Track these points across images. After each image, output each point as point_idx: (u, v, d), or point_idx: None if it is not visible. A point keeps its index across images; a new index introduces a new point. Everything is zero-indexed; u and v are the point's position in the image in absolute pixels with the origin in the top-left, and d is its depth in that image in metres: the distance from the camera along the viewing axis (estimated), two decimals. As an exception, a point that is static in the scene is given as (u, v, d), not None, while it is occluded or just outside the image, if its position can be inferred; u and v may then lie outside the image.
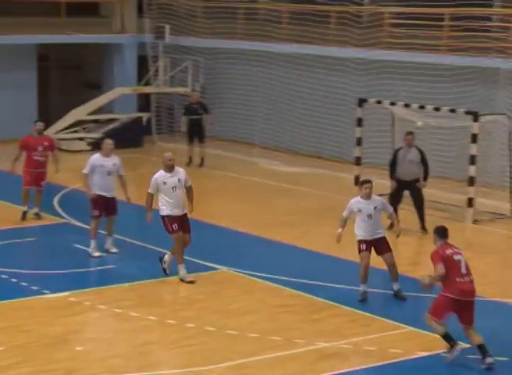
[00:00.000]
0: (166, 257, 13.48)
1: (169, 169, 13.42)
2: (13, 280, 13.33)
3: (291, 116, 23.85)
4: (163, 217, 13.31)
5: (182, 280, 13.26)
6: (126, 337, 11.26)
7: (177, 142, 25.59)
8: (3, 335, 11.22)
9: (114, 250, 14.69)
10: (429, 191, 18.15)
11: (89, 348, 10.84)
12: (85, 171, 14.57)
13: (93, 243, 14.48)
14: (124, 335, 11.33)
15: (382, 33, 22.09)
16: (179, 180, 13.36)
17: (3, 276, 13.47)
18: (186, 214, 13.43)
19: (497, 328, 11.63)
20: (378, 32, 22.11)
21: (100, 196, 14.48)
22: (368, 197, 12.94)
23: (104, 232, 14.77)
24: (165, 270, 13.41)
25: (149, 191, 13.58)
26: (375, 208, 12.88)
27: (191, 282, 13.23)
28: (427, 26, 21.02)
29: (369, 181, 13.13)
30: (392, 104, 18.99)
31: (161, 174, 13.48)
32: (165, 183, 13.33)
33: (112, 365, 10.33)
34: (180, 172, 13.47)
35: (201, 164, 22.64)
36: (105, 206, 14.55)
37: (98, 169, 14.49)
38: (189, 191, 13.55)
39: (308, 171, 22.03)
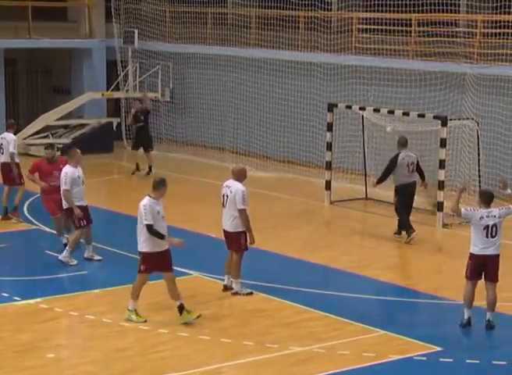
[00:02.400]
0: None
1: None
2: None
3: (261, 120, 23.84)
4: None
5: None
6: (99, 343, 11.15)
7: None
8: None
9: (98, 257, 14.54)
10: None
11: (61, 355, 10.77)
12: (67, 187, 14.11)
13: (69, 252, 14.25)
14: (96, 342, 11.23)
15: (351, 38, 22.15)
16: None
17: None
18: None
19: (468, 331, 11.68)
20: (347, 37, 22.17)
21: (81, 207, 14.29)
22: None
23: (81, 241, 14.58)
24: None
25: None
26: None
27: (250, 293, 12.95)
28: (395, 32, 21.13)
29: None
30: (362, 109, 19.04)
31: None
32: None
33: (84, 372, 10.25)
34: None
35: (149, 172, 21.90)
36: (85, 215, 14.38)
37: (76, 182, 14.23)
38: None
39: (279, 176, 22.04)
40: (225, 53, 24.37)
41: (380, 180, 16.57)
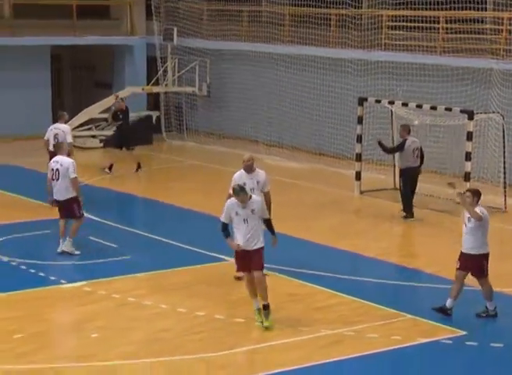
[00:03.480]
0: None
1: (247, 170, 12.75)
2: (31, 270, 13.32)
3: (294, 114, 23.83)
4: None
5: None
6: (140, 324, 11.24)
7: (185, 139, 25.64)
8: (22, 323, 11.21)
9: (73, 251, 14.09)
10: (426, 186, 18.18)
11: (104, 336, 10.84)
12: (76, 174, 14.03)
13: (71, 242, 14.05)
14: (138, 323, 11.31)
15: (380, 35, 22.06)
16: (257, 182, 12.69)
17: (22, 266, 13.47)
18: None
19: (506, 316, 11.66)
20: (377, 34, 22.08)
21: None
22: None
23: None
24: None
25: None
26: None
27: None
28: (423, 29, 21.01)
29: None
30: (391, 103, 18.98)
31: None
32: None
33: (126, 351, 10.33)
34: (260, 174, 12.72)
35: (137, 169, 21.18)
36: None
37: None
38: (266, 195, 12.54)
39: (311, 167, 22.04)
40: (260, 49, 24.37)
41: (383, 147, 17.30)
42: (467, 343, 10.71)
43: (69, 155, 16.90)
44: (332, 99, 22.83)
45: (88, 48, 26.19)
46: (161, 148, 25.08)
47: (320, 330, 11.07)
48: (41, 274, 13.11)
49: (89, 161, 23.43)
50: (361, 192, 19.02)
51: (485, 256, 11.47)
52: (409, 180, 16.81)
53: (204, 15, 26.08)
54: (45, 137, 17.76)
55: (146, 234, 15.47)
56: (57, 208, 14.31)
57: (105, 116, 25.50)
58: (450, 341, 10.80)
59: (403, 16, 21.67)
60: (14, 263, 13.58)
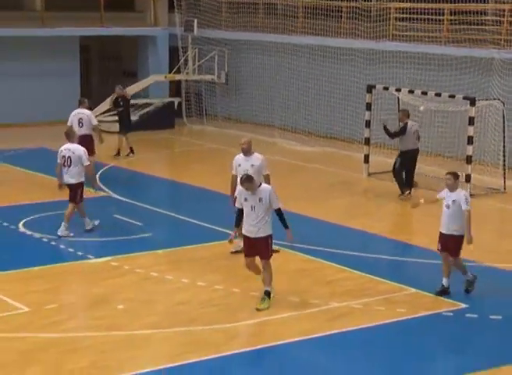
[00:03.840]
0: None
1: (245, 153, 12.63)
2: (61, 246, 13.41)
3: (307, 100, 23.77)
4: None
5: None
6: (162, 297, 11.31)
7: (205, 124, 25.64)
8: (53, 295, 11.31)
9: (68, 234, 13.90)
10: (430, 168, 18.13)
11: (129, 307, 10.91)
12: (89, 162, 13.92)
13: (89, 220, 14.08)
14: (160, 296, 11.38)
15: (389, 26, 21.93)
16: (252, 165, 12.50)
17: (52, 242, 13.57)
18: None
19: (492, 290, 11.62)
20: (385, 25, 21.95)
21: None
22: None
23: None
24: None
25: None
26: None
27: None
28: (429, 20, 20.87)
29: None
30: (398, 90, 18.89)
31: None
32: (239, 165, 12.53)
33: (149, 322, 10.40)
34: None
35: (129, 154, 20.67)
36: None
37: None
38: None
39: (322, 150, 22.00)
40: (275, 40, 24.27)
41: (388, 132, 17.21)
42: (468, 315, 10.71)
43: (91, 138, 17.00)
44: (343, 86, 22.73)
45: (114, 38, 26.18)
46: (182, 132, 25.09)
47: (328, 303, 11.10)
48: (70, 250, 13.20)
49: (114, 144, 23.50)
50: (369, 174, 18.98)
51: (463, 237, 11.23)
52: (407, 161, 16.89)
53: (222, 7, 25.98)
54: (68, 123, 17.52)
55: (168, 213, 15.51)
56: (68, 192, 14.02)
57: (131, 102, 25.54)
58: (451, 314, 10.80)
59: (409, 9, 21.51)
60: (45, 240, 13.68)
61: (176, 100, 26.22)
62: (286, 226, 10.83)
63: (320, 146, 22.31)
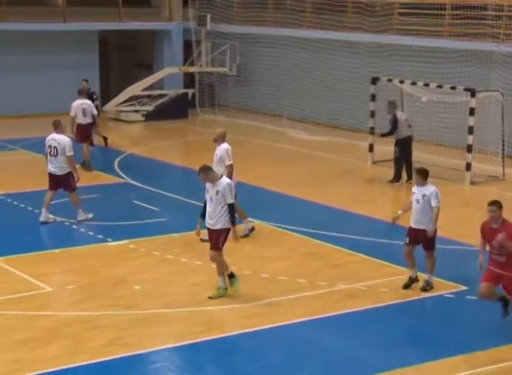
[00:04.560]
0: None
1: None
2: (82, 229, 13.42)
3: (314, 92, 23.67)
4: None
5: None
6: (177, 278, 11.30)
7: (217, 114, 25.58)
8: (74, 275, 11.33)
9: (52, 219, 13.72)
10: (432, 157, 18.03)
11: (146, 288, 10.91)
12: (72, 152, 13.51)
13: (82, 211, 13.75)
14: (175, 277, 11.37)
15: (392, 20, 21.78)
16: (215, 155, 12.66)
17: (74, 226, 13.58)
18: None
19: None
20: (389, 20, 21.81)
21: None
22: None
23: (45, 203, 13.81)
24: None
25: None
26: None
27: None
28: (431, 15, 20.72)
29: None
30: (401, 82, 18.77)
31: None
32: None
33: (165, 302, 10.41)
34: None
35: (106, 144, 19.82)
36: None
37: None
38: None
39: (329, 139, 21.92)
40: (284, 34, 24.16)
41: (385, 135, 17.19)
42: (468, 297, 10.66)
43: (93, 123, 16.89)
44: (348, 78, 22.62)
45: (131, 32, 26.12)
46: (196, 121, 25.05)
47: (335, 285, 11.07)
48: (90, 233, 13.20)
49: (132, 133, 23.51)
50: (374, 162, 18.90)
51: (436, 231, 10.86)
52: (406, 147, 16.80)
53: (234, 2, 25.87)
54: (72, 113, 17.28)
55: (183, 199, 15.49)
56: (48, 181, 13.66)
57: (147, 93, 25.57)
58: (452, 295, 10.77)
59: (413, 4, 21.37)
60: (67, 223, 13.68)
61: (190, 91, 26.16)
62: (232, 222, 10.33)
63: (326, 135, 22.23)
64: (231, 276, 10.62)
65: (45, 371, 8.54)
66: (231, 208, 10.28)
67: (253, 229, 13.18)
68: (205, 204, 10.50)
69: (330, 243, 12.92)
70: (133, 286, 10.94)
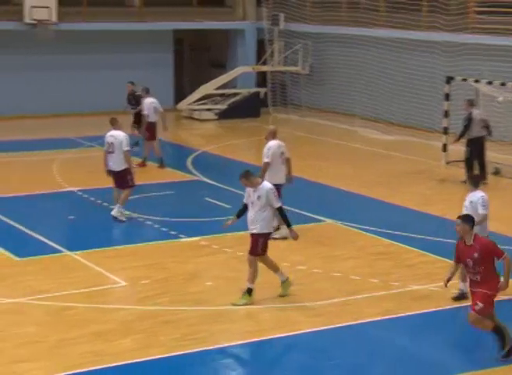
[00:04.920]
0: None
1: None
2: (156, 226, 13.57)
3: (388, 91, 23.40)
4: None
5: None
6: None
7: (289, 113, 25.55)
8: (148, 271, 11.46)
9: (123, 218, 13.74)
10: (509, 158, 17.61)
11: (217, 284, 10.96)
12: (129, 148, 13.57)
13: (122, 208, 13.62)
14: (245, 274, 11.33)
15: (468, 19, 21.35)
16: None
17: (148, 222, 13.74)
18: None
19: None
20: (464, 18, 21.39)
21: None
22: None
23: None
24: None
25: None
26: None
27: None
28: (507, 13, 20.24)
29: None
30: (476, 81, 18.38)
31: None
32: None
33: (236, 298, 10.40)
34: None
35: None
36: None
37: None
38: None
39: (402, 139, 21.64)
40: (358, 33, 23.95)
41: (459, 138, 16.74)
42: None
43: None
44: (422, 78, 22.29)
45: (206, 31, 26.31)
46: (268, 120, 25.05)
47: (408, 286, 10.91)
48: (164, 229, 13.33)
49: (205, 131, 23.69)
50: (447, 162, 18.57)
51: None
52: (477, 148, 16.44)
53: (308, 2, 25.78)
54: (146, 112, 17.57)
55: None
56: (112, 178, 13.73)
57: (220, 92, 25.73)
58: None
59: (489, 2, 20.90)
60: (141, 219, 13.86)
61: (262, 90, 26.20)
62: (288, 225, 10.32)
63: (400, 135, 21.96)
64: (249, 290, 10.32)
65: (120, 363, 8.67)
66: (280, 211, 10.19)
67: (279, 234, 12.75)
68: (244, 206, 10.38)
69: (402, 243, 12.75)
70: (204, 282, 11.00)
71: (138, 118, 18.52)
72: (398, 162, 19.04)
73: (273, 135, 12.86)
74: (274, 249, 12.37)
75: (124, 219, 13.58)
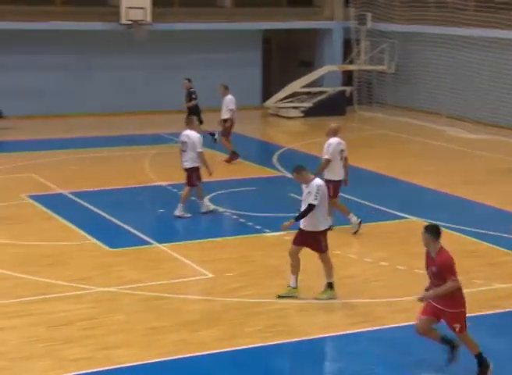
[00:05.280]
0: None
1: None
2: (241, 220, 13.68)
3: (474, 90, 22.91)
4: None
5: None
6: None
7: (374, 111, 25.32)
8: (233, 264, 11.57)
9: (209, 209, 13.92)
10: None
11: (300, 278, 10.90)
12: (203, 149, 13.64)
13: (183, 207, 13.61)
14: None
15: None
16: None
17: (234, 216, 13.88)
18: None
19: None
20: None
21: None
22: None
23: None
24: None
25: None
26: None
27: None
28: None
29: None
30: None
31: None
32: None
33: (320, 292, 10.39)
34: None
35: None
36: (199, 175, 13.93)
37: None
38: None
39: (489, 138, 21.14)
40: (445, 32, 23.52)
41: None
42: None
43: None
44: (509, 76, 21.71)
45: (294, 31, 26.34)
46: (353, 118, 24.91)
47: (492, 284, 10.67)
48: (249, 224, 13.43)
49: (291, 128, 23.73)
50: (536, 161, 18.09)
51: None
52: None
53: (395, 1, 25.47)
54: (234, 107, 17.92)
55: (340, 194, 15.41)
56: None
57: (306, 90, 25.71)
58: None
59: None
60: (227, 214, 14.01)
61: (348, 89, 26.05)
62: (295, 218, 10.08)
63: (487, 134, 21.45)
64: (330, 285, 10.20)
65: (205, 353, 8.80)
66: (308, 207, 9.92)
67: (361, 222, 12.82)
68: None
69: (487, 242, 12.47)
70: (287, 276, 11.01)
71: (196, 115, 18.44)
72: (485, 161, 18.61)
73: (334, 132, 12.91)
74: (356, 245, 12.35)
75: (187, 215, 13.60)
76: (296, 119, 24.55)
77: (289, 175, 16.88)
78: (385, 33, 25.40)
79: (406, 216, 13.83)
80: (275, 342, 9.02)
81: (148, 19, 23.76)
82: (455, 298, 8.10)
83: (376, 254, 11.89)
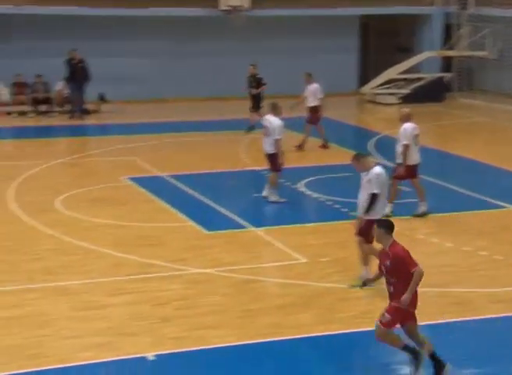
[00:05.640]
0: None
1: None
2: (336, 206, 13.56)
3: None
4: None
5: None
6: (425, 259, 10.85)
7: (475, 98, 24.60)
8: (327, 249, 11.49)
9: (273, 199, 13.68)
10: None
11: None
12: (281, 136, 13.40)
13: (274, 190, 13.63)
14: (424, 258, 11.01)
15: None
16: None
17: (328, 202, 13.77)
18: None
19: None
20: None
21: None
22: None
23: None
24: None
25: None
26: None
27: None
28: None
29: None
30: None
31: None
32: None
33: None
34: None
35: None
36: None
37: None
38: None
39: None
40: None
41: None
42: None
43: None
44: None
45: (391, 16, 25.85)
46: (452, 105, 24.28)
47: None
48: (343, 210, 13.28)
49: (387, 115, 23.34)
50: None
51: None
52: None
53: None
54: (304, 94, 17.82)
55: (433, 181, 15.09)
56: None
57: (403, 76, 25.21)
58: None
59: None
60: (322, 199, 13.91)
61: (446, 75, 25.40)
62: (365, 211, 9.76)
63: None
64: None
65: (299, 336, 8.78)
66: (372, 198, 9.69)
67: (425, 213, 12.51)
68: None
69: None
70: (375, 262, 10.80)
71: (256, 101, 19.04)
72: None
73: (407, 117, 12.72)
74: (459, 234, 12.02)
75: (274, 200, 13.55)
76: (392, 105, 24.13)
77: (385, 161, 16.61)
78: (487, 18, 24.60)
79: (506, 204, 13.36)
80: (368, 329, 8.88)
81: (246, 5, 23.79)
82: (413, 297, 7.73)
83: (477, 243, 11.57)
